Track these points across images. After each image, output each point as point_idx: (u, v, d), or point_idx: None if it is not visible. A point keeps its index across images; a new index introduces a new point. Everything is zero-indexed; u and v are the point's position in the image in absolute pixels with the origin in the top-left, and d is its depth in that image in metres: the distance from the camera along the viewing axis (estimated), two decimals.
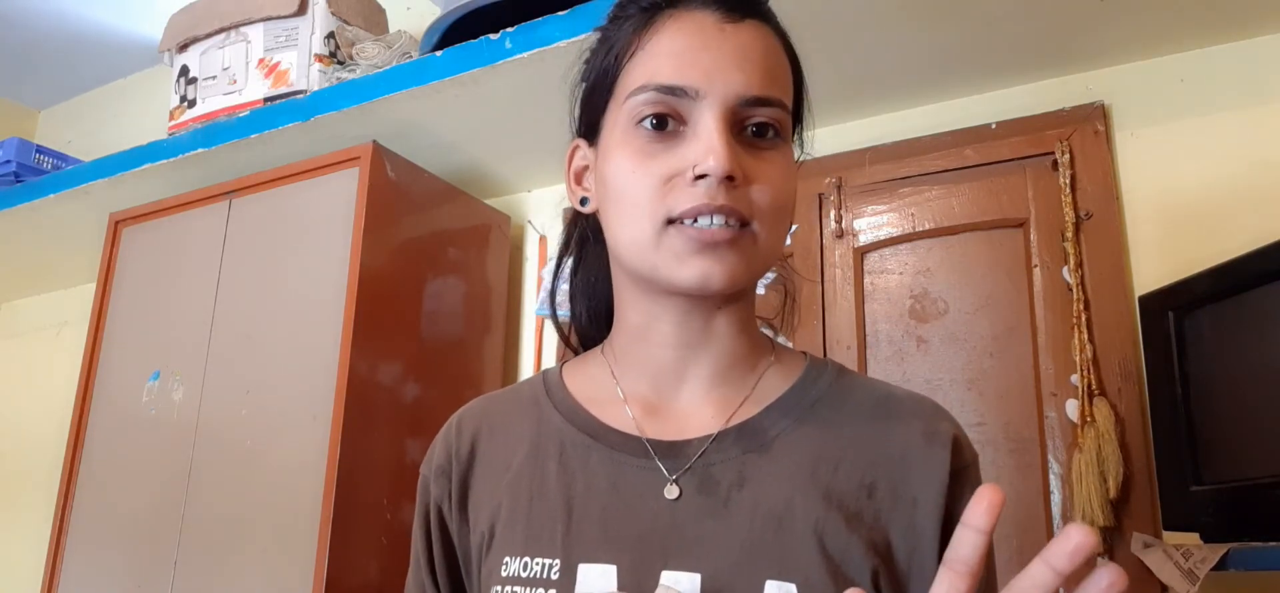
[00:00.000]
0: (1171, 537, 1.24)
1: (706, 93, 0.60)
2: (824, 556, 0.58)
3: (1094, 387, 1.36)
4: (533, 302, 1.98)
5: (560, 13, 1.42)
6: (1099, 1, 1.29)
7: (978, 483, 0.64)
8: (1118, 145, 1.45)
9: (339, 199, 1.67)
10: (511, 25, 1.48)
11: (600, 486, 0.63)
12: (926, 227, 1.56)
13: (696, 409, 0.66)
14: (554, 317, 0.80)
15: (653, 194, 0.61)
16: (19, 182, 2.29)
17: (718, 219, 0.59)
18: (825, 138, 1.66)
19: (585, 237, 0.76)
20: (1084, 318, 1.39)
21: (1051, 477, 1.38)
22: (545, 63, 1.47)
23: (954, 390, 1.47)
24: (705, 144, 0.59)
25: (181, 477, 1.70)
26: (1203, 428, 1.18)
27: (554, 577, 0.59)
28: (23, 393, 2.82)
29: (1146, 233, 1.40)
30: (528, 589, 0.59)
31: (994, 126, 1.53)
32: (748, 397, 0.66)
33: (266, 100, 1.84)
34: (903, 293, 1.57)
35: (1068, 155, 1.45)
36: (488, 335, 1.91)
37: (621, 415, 0.67)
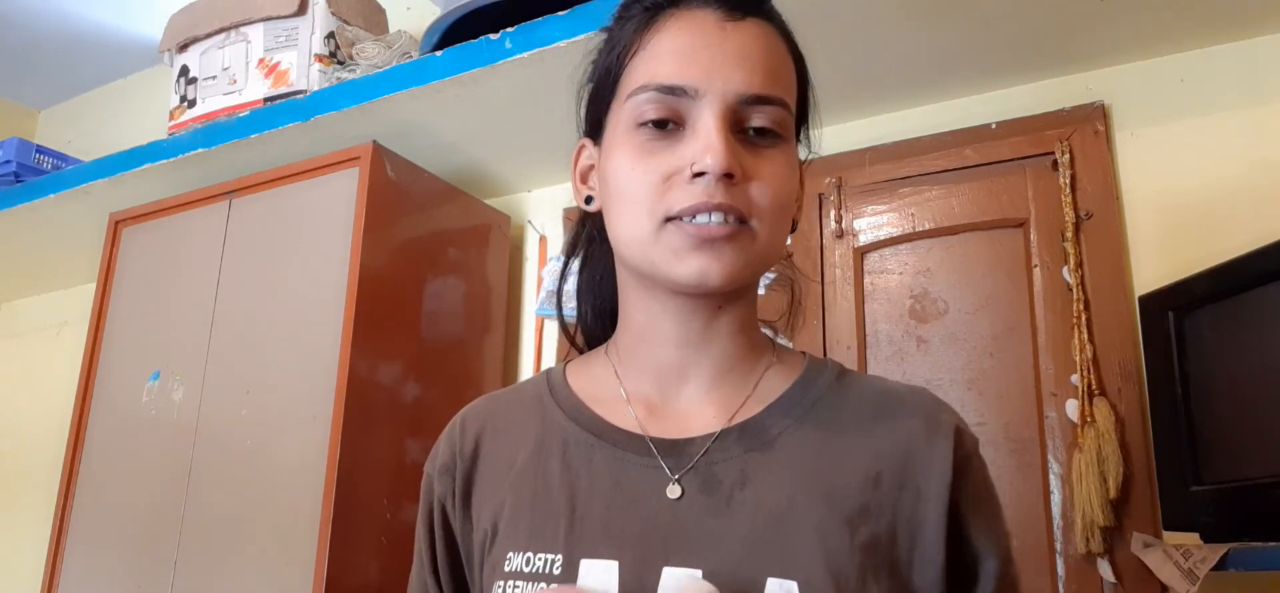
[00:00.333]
0: (1171, 537, 1.24)
1: (705, 92, 0.61)
2: (826, 554, 0.58)
3: (1094, 387, 1.36)
4: (533, 302, 1.98)
5: (560, 13, 1.42)
6: (1099, 1, 1.29)
7: (981, 472, 0.65)
8: (1118, 145, 1.45)
9: (339, 199, 1.67)
10: (511, 25, 1.48)
11: (603, 483, 0.64)
12: (926, 227, 1.56)
13: (698, 408, 0.67)
14: (560, 315, 0.80)
15: (652, 192, 0.61)
16: (19, 182, 2.29)
17: (716, 216, 0.59)
18: (825, 138, 1.65)
19: (592, 236, 0.76)
20: (1084, 318, 1.39)
21: (1051, 477, 1.38)
22: (545, 63, 1.47)
23: (954, 390, 1.47)
24: (703, 142, 0.60)
25: (181, 477, 1.70)
26: (1203, 428, 1.18)
27: (556, 572, 0.60)
28: (23, 393, 2.82)
29: (1146, 233, 1.40)
30: (530, 584, 0.60)
31: (994, 126, 1.53)
32: (749, 396, 0.67)
33: (266, 100, 1.84)
34: (903, 293, 1.57)
35: (1068, 155, 1.45)
36: (488, 335, 1.91)
37: (624, 414, 0.67)
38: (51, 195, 2.17)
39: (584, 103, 0.72)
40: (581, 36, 1.39)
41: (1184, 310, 1.22)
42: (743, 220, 0.61)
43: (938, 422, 0.64)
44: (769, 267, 0.66)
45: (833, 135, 1.67)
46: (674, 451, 0.64)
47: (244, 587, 1.56)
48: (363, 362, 1.57)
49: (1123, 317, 1.37)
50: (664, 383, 0.68)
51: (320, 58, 1.83)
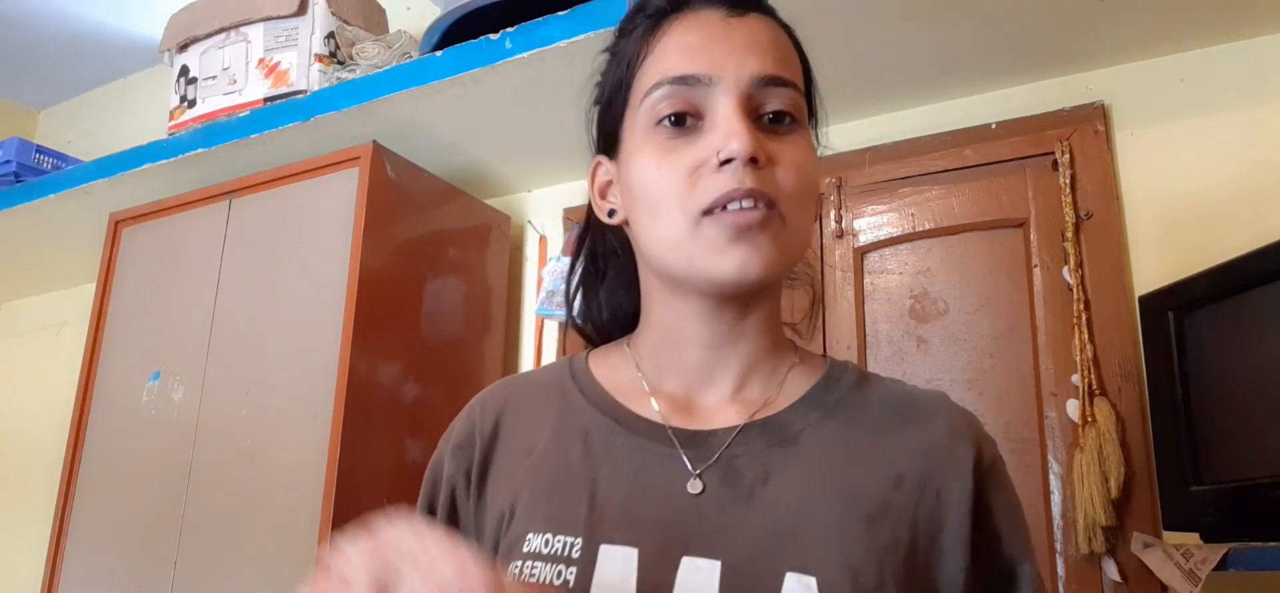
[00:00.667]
0: (1172, 537, 1.24)
1: (720, 78, 0.62)
2: (846, 552, 0.58)
3: (1094, 387, 1.36)
4: (533, 302, 1.98)
5: (560, 13, 1.42)
6: (1099, 1, 1.29)
7: (1005, 477, 0.65)
8: (1118, 145, 1.45)
9: (339, 199, 1.67)
10: (511, 25, 1.48)
11: (624, 470, 0.64)
12: (926, 227, 1.56)
13: (722, 407, 0.67)
14: (570, 314, 0.80)
15: (680, 188, 0.61)
16: (19, 182, 2.29)
17: (748, 202, 0.59)
18: (825, 138, 1.66)
19: (613, 249, 0.76)
20: (1084, 318, 1.39)
21: (1052, 477, 1.38)
22: (545, 63, 1.47)
23: (954, 390, 1.47)
24: (725, 129, 0.60)
25: (181, 477, 1.70)
26: (1203, 428, 1.18)
27: (575, 555, 0.59)
28: (23, 393, 2.82)
29: (1146, 233, 1.40)
30: (549, 565, 0.60)
31: (994, 126, 1.53)
32: (773, 395, 0.67)
33: (266, 100, 1.84)
34: (903, 293, 1.57)
35: (1068, 155, 1.45)
36: (488, 335, 1.91)
37: (646, 405, 0.67)
38: (51, 195, 2.17)
39: (594, 123, 0.72)
40: (581, 36, 1.39)
41: (1184, 310, 1.22)
42: (772, 205, 0.60)
43: (959, 427, 0.65)
44: (797, 258, 0.66)
45: (833, 135, 1.65)
46: (695, 442, 0.64)
47: (244, 587, 1.56)
48: (363, 362, 1.57)
49: (1123, 317, 1.37)
50: (689, 382, 0.68)
51: (320, 58, 1.83)
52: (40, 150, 2.34)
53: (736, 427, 0.64)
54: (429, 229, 1.80)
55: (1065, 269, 1.43)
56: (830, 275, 1.62)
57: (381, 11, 2.04)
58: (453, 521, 0.69)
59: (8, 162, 2.28)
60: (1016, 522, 0.64)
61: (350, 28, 1.88)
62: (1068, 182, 1.44)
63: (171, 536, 1.67)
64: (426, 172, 1.81)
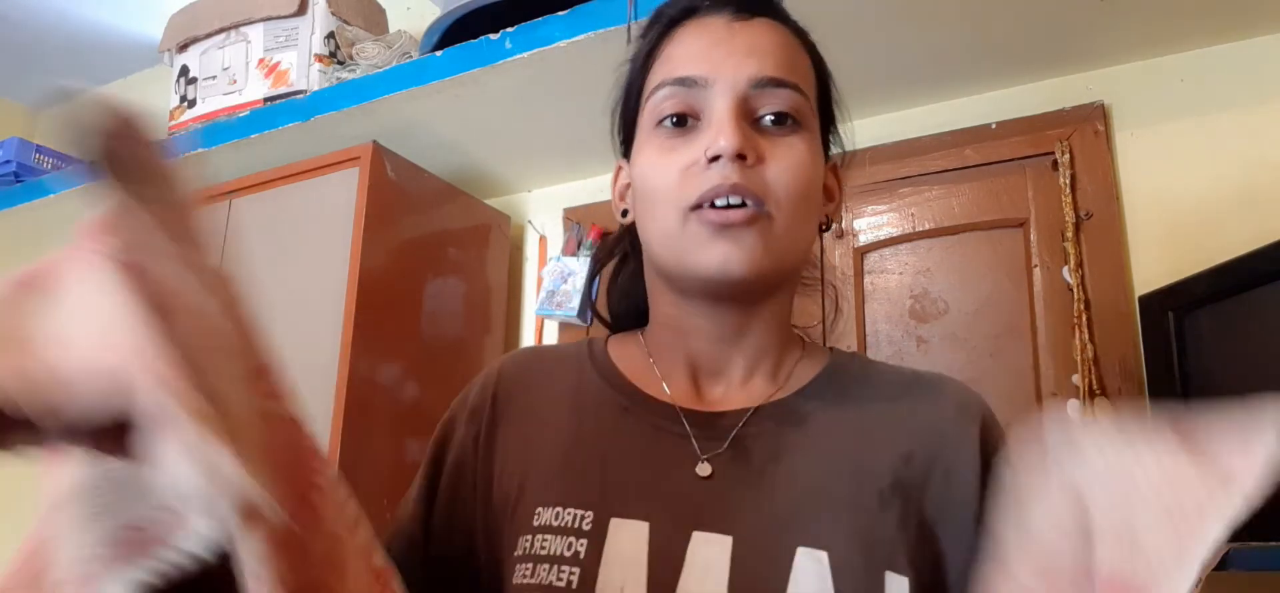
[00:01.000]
0: None
1: (716, 80, 0.63)
2: (857, 527, 0.59)
3: (1094, 387, 1.36)
4: (533, 302, 1.98)
5: (560, 13, 1.42)
6: (1099, 1, 1.29)
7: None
8: (1118, 145, 1.45)
9: (339, 199, 1.67)
10: (511, 25, 1.48)
11: (635, 447, 0.65)
12: (926, 227, 1.56)
13: (730, 395, 0.68)
14: (591, 307, 0.82)
15: (674, 185, 0.63)
16: (19, 182, 2.28)
17: (733, 199, 0.61)
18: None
19: (633, 246, 0.78)
20: (1084, 318, 1.39)
21: None
22: (545, 63, 1.47)
23: None
24: (715, 128, 0.62)
25: None
26: None
27: (586, 528, 0.60)
28: None
29: (1146, 233, 1.40)
30: (559, 537, 0.60)
31: (994, 126, 1.53)
32: (781, 385, 0.68)
33: (266, 100, 1.84)
34: (903, 293, 1.57)
35: (1068, 155, 1.45)
36: (488, 335, 1.91)
37: (659, 390, 0.69)
38: (51, 195, 2.17)
39: (617, 124, 0.75)
40: (582, 37, 1.39)
41: (1184, 310, 1.22)
42: (760, 205, 0.61)
43: (967, 405, 0.66)
44: (794, 259, 0.67)
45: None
46: (706, 423, 0.65)
47: None
48: (363, 362, 1.57)
49: (1123, 317, 1.37)
50: (696, 373, 0.69)
51: (320, 58, 1.83)
52: (40, 150, 2.34)
53: (747, 410, 0.65)
54: (429, 229, 1.80)
55: (1065, 269, 1.43)
56: (830, 276, 1.62)
57: (381, 11, 2.04)
58: (458, 482, 0.69)
59: (8, 162, 2.28)
60: None
61: (350, 28, 1.88)
62: (1068, 182, 1.44)
63: None
64: (426, 172, 1.80)
